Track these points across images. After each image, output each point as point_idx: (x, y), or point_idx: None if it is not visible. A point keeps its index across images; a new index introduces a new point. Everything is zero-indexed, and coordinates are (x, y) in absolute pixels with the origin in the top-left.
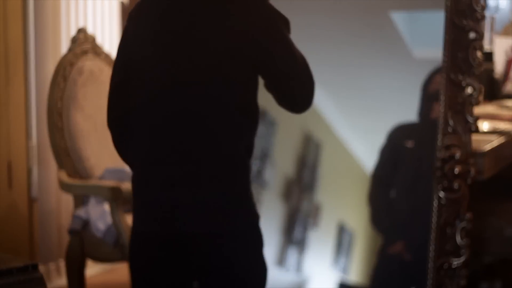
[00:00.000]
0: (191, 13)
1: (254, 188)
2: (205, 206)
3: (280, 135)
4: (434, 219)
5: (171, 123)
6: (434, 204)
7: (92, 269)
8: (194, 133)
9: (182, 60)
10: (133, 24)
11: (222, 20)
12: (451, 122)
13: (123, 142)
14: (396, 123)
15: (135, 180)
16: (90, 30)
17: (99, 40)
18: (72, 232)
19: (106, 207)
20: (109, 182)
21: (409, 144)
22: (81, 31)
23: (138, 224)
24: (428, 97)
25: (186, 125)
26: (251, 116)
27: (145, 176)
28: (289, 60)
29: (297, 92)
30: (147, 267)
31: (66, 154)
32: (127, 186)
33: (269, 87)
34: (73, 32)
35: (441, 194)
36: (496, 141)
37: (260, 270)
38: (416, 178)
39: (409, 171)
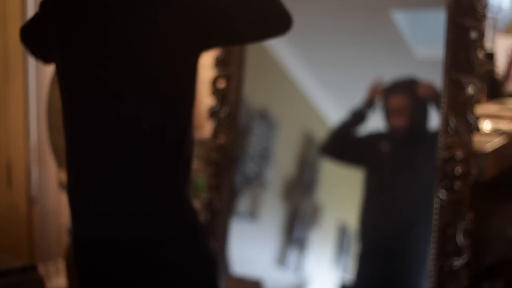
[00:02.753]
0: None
1: (254, 188)
2: (135, 213)
3: (280, 135)
4: (435, 219)
5: (98, 130)
6: (435, 204)
7: None
8: (121, 140)
9: (113, 65)
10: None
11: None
12: (452, 122)
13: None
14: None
15: (68, 186)
16: None
17: None
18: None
19: None
20: None
21: (384, 148)
22: None
23: (75, 231)
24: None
25: (113, 131)
26: (180, 115)
27: (76, 184)
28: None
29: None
30: (91, 273)
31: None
32: None
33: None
34: None
35: (443, 194)
36: (497, 141)
37: (205, 263)
38: (390, 180)
39: (383, 173)
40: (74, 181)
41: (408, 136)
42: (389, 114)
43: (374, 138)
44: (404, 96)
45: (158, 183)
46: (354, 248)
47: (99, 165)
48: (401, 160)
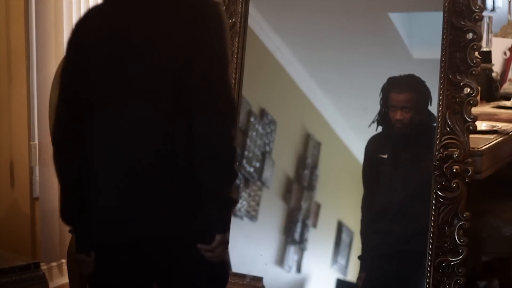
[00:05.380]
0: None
1: (254, 188)
2: (155, 213)
3: (279, 134)
4: (432, 218)
5: (121, 132)
6: (432, 203)
7: None
8: (142, 142)
9: (126, 73)
10: (79, 41)
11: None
12: (449, 122)
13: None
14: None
15: (88, 192)
16: None
17: None
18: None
19: None
20: None
21: (384, 154)
22: None
23: (94, 235)
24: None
25: (134, 133)
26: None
27: (96, 187)
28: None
29: (215, 128)
30: (105, 274)
31: None
32: None
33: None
34: None
35: (440, 193)
36: (494, 140)
37: (217, 267)
38: (391, 184)
39: (384, 178)
40: (93, 183)
41: (408, 134)
42: (392, 109)
43: (376, 144)
44: (407, 92)
45: (178, 187)
46: (352, 248)
47: (119, 168)
48: (401, 160)
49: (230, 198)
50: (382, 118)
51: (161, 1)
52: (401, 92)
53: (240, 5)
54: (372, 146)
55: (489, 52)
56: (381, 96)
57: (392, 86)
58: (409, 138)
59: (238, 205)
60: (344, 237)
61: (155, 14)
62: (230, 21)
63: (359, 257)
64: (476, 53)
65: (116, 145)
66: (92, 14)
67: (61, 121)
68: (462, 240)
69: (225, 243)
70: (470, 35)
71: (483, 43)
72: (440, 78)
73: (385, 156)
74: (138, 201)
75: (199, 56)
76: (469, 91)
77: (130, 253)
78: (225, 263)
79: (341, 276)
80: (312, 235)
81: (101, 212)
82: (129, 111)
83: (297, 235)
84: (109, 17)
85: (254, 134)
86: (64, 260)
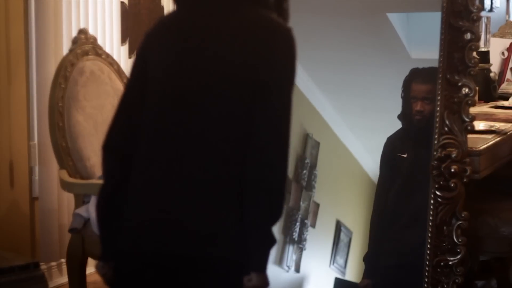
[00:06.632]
0: (212, 38)
1: None
2: (195, 229)
3: None
4: (430, 217)
5: (171, 143)
6: (430, 202)
7: (93, 268)
8: (192, 156)
9: (193, 82)
10: (150, 46)
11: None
12: (447, 122)
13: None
14: (390, 133)
15: (129, 197)
16: (91, 30)
17: (99, 41)
18: (73, 230)
19: None
20: None
21: (403, 153)
22: (82, 31)
23: (126, 242)
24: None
25: (184, 147)
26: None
27: (139, 196)
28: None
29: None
30: (132, 282)
31: (67, 154)
32: None
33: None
34: (74, 32)
35: (438, 192)
36: (491, 140)
37: None
38: (410, 185)
39: (403, 179)
40: (138, 193)
41: (428, 128)
42: (413, 100)
43: (395, 143)
44: (429, 83)
45: (221, 205)
46: (351, 247)
47: (167, 181)
48: (421, 159)
49: (272, 236)
50: (403, 112)
51: (234, 24)
52: (423, 82)
53: None
54: (390, 146)
55: (487, 52)
56: (402, 89)
57: (414, 77)
58: (429, 134)
59: None
60: (343, 236)
61: (227, 34)
62: None
63: (365, 260)
64: (474, 53)
65: (170, 157)
66: (163, 22)
67: (118, 126)
68: (460, 240)
69: (263, 285)
70: (468, 36)
71: (481, 43)
72: (438, 78)
73: (405, 156)
74: (180, 213)
75: (268, 79)
76: (467, 91)
77: (158, 270)
78: None
79: (339, 276)
80: (311, 234)
81: (139, 220)
82: (187, 128)
83: (295, 235)
84: (180, 29)
85: None
86: (63, 260)
